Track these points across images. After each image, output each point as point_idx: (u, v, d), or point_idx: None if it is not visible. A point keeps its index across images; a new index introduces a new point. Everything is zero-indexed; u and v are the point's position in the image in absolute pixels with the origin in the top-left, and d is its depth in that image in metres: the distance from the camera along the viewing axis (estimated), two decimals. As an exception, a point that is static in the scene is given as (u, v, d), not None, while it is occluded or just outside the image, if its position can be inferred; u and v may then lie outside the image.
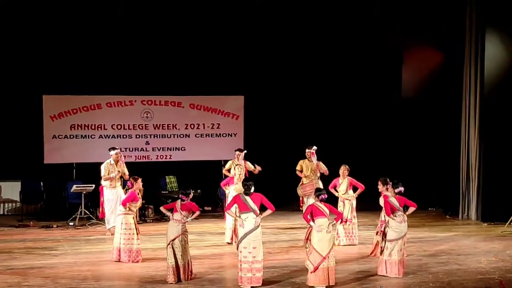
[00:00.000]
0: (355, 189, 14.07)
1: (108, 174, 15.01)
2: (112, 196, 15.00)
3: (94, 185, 16.35)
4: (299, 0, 19.14)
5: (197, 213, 11.28)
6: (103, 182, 15.07)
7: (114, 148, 15.44)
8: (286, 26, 19.27)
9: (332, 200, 12.38)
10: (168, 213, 11.21)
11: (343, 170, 14.07)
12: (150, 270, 11.63)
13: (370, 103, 20.05)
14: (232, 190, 14.07)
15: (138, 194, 12.51)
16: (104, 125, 18.02)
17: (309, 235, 10.62)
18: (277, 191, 17.30)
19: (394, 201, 11.37)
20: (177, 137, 18.60)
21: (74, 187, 16.58)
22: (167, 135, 18.52)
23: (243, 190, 10.78)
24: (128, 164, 15.62)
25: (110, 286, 10.76)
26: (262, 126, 19.40)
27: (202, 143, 18.71)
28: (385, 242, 11.34)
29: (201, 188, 17.34)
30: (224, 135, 18.86)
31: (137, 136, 18.30)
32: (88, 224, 16.26)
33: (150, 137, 18.39)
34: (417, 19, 18.60)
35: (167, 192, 17.89)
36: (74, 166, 17.92)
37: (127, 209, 12.34)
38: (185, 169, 18.33)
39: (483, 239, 14.74)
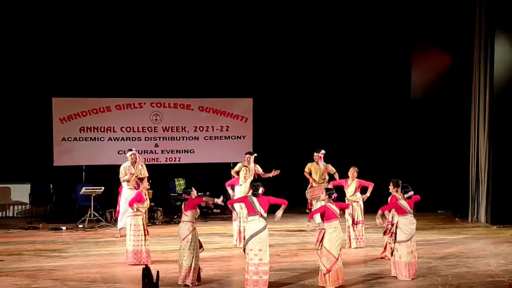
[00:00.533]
0: (363, 191, 14.05)
1: (124, 176, 14.99)
2: (129, 198, 14.96)
3: (103, 188, 16.39)
4: (308, 2, 19.14)
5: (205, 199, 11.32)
6: (122, 183, 15.08)
7: (130, 150, 15.43)
8: (295, 29, 19.30)
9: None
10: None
11: (352, 172, 14.05)
12: (159, 272, 11.60)
13: (379, 104, 20.02)
14: (236, 191, 14.09)
15: (145, 195, 12.51)
16: (113, 127, 18.06)
17: (322, 237, 10.60)
18: (285, 194, 17.26)
19: (404, 203, 11.35)
20: (186, 139, 18.62)
21: (84, 190, 16.62)
22: (176, 137, 18.54)
23: (251, 191, 10.75)
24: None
25: (119, 289, 10.79)
26: (271, 128, 19.42)
27: (211, 146, 18.72)
28: (394, 244, 11.32)
29: (210, 190, 17.34)
30: (233, 137, 18.86)
31: (146, 139, 18.32)
32: (97, 227, 16.29)
33: (159, 140, 18.42)
34: (426, 21, 18.56)
35: (176, 194, 17.91)
36: (83, 168, 17.96)
37: (135, 210, 12.35)
38: (194, 171, 18.35)
39: (492, 241, 14.69)
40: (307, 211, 15.82)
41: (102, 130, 17.98)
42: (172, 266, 11.46)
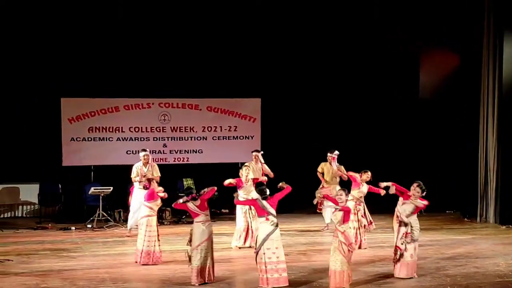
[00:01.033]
0: (371, 194, 14.03)
1: (136, 176, 14.99)
2: (140, 197, 14.97)
3: (111, 188, 16.43)
4: (318, 2, 19.13)
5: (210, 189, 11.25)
6: (134, 183, 15.10)
7: (144, 150, 15.43)
8: (304, 29, 19.30)
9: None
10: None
11: (369, 175, 14.00)
12: (167, 272, 11.65)
13: (387, 105, 20.00)
14: (241, 193, 13.99)
15: (158, 192, 12.59)
16: (121, 127, 18.11)
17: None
18: (294, 194, 17.27)
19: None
20: (194, 139, 18.65)
21: (92, 190, 16.66)
22: (184, 137, 18.57)
23: (260, 195, 10.70)
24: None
25: (128, 288, 10.82)
26: (279, 128, 19.42)
27: (219, 146, 18.75)
28: (405, 245, 11.24)
29: (218, 190, 17.32)
30: (241, 137, 18.88)
31: (155, 139, 18.36)
32: (105, 227, 16.33)
33: (168, 140, 18.46)
34: (435, 22, 18.55)
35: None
36: (92, 168, 18.01)
37: (150, 209, 12.41)
38: (202, 171, 18.37)
39: (501, 241, 14.64)
40: (317, 211, 15.81)
41: (111, 130, 18.04)
42: (181, 266, 11.47)
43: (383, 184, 12.14)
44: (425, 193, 11.33)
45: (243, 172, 14.21)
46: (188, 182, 18.18)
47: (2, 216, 17.73)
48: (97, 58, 18.04)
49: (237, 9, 18.65)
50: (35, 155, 17.86)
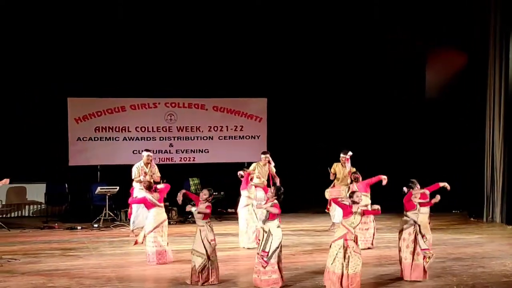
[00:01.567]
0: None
1: (139, 176, 15.04)
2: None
3: (118, 187, 16.45)
4: (323, 1, 19.15)
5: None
6: (134, 184, 15.12)
7: (147, 150, 15.48)
8: (309, 28, 19.30)
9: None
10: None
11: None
12: (174, 271, 11.68)
13: (393, 104, 19.97)
14: (244, 193, 14.01)
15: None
16: (128, 127, 18.14)
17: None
18: (299, 194, 17.37)
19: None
20: (201, 139, 18.67)
21: (99, 189, 16.69)
22: (191, 137, 18.59)
23: (276, 197, 10.67)
24: (151, 166, 15.70)
25: (134, 288, 10.85)
26: (285, 128, 19.43)
27: (226, 145, 18.77)
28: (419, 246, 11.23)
29: (224, 190, 17.40)
30: (247, 137, 18.89)
31: (161, 138, 18.39)
32: (112, 226, 16.36)
33: (174, 139, 18.48)
34: (441, 20, 18.52)
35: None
36: (98, 168, 18.04)
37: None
38: (209, 171, 18.39)
39: (507, 241, 14.62)
40: (325, 211, 15.82)
41: (117, 130, 18.07)
42: (187, 265, 11.48)
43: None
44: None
45: (250, 168, 14.30)
46: (194, 182, 18.20)
47: (9, 215, 17.77)
48: (103, 58, 18.07)
49: (243, 8, 18.66)
50: (42, 155, 17.90)
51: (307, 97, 19.78)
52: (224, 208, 18.25)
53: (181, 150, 18.55)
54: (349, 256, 10.22)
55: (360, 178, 14.18)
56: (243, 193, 14.09)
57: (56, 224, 16.65)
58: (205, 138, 18.70)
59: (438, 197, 11.48)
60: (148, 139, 18.24)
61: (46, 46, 17.75)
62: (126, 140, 18.11)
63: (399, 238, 11.27)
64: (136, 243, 12.60)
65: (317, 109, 19.95)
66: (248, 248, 13.60)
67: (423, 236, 11.14)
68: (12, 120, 17.91)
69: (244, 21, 18.76)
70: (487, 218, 17.43)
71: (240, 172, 14.29)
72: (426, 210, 11.54)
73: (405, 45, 19.59)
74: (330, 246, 10.46)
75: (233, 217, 17.65)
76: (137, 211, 14.87)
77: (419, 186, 11.47)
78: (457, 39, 18.48)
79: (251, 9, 18.72)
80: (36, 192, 18.02)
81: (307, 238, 15.07)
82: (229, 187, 17.22)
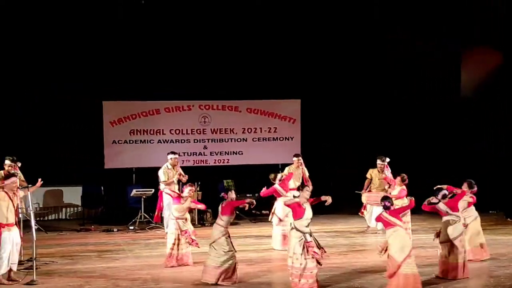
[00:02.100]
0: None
1: (168, 179, 15.12)
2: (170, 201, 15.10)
3: (153, 190, 16.54)
4: (358, 4, 19.09)
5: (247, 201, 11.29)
6: (162, 187, 15.20)
7: (173, 152, 15.58)
8: (344, 29, 19.21)
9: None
10: None
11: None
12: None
13: (428, 104, 19.79)
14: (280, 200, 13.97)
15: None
16: (162, 130, 18.25)
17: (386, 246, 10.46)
18: (333, 195, 17.26)
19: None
20: (235, 141, 18.73)
21: (134, 192, 16.80)
22: (225, 139, 18.66)
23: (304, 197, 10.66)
24: (186, 169, 15.80)
25: (170, 289, 10.90)
26: (319, 129, 19.39)
27: (259, 147, 18.79)
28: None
29: (258, 192, 17.39)
30: (281, 138, 18.90)
31: (195, 141, 18.48)
32: (147, 228, 16.44)
33: (208, 142, 18.56)
34: (476, 19, 18.36)
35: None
36: (133, 170, 18.18)
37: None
38: (243, 173, 18.43)
39: (545, 242, 14.46)
40: (359, 214, 15.77)
41: (152, 132, 18.19)
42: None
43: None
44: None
45: (283, 173, 14.28)
46: (228, 184, 18.23)
47: (46, 218, 17.96)
48: (138, 61, 18.18)
49: (276, 10, 18.65)
50: (78, 158, 18.07)
51: (341, 98, 19.69)
52: (258, 210, 18.24)
53: (215, 152, 18.62)
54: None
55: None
56: (279, 200, 14.06)
57: (93, 226, 16.79)
58: (239, 140, 18.75)
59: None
60: (183, 141, 18.34)
61: (83, 50, 17.90)
62: (161, 142, 18.23)
63: (450, 239, 11.17)
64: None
65: (352, 110, 19.86)
66: (281, 250, 13.60)
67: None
68: (48, 124, 18.10)
69: (278, 23, 18.75)
70: (524, 219, 17.25)
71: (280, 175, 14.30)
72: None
73: (441, 46, 19.41)
74: None
75: (267, 219, 17.67)
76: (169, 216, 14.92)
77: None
78: (492, 38, 18.30)
79: (283, 10, 18.71)
80: (73, 194, 18.20)
81: (342, 239, 15.02)
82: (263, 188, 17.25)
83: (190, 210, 15.83)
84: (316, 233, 14.45)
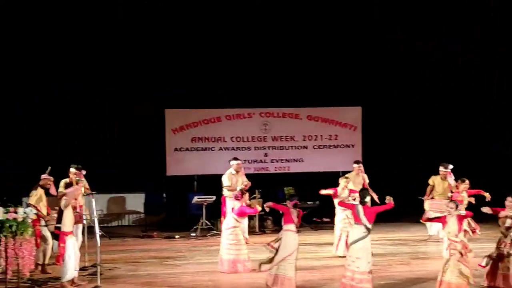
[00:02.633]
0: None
1: (231, 185, 15.16)
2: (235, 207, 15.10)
3: (215, 197, 16.61)
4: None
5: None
6: (225, 193, 15.23)
7: (236, 159, 15.63)
8: (406, 38, 19.05)
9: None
10: None
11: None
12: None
13: (490, 111, 19.47)
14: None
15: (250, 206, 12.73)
16: (223, 137, 18.35)
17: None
18: (396, 203, 17.05)
19: None
20: (295, 148, 18.72)
21: (195, 199, 16.92)
22: (285, 146, 18.66)
23: (359, 199, 10.69)
24: (246, 176, 15.80)
25: (231, 296, 10.94)
26: (380, 136, 19.22)
27: (320, 154, 18.73)
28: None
29: (319, 199, 17.34)
30: (342, 146, 18.81)
31: (256, 148, 18.53)
32: (209, 235, 16.52)
33: (269, 149, 18.59)
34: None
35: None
36: (195, 178, 18.30)
37: (237, 221, 12.56)
38: (303, 180, 18.37)
39: None
40: (421, 221, 15.56)
41: (213, 140, 18.31)
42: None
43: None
44: None
45: (341, 184, 14.17)
46: (289, 191, 18.20)
47: (109, 224, 18.21)
48: (200, 70, 18.34)
49: (338, 17, 18.63)
50: (141, 165, 18.31)
51: (402, 106, 19.50)
52: (319, 217, 18.19)
53: (275, 159, 18.63)
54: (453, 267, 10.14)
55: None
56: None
57: (155, 233, 16.96)
58: (299, 147, 18.73)
59: None
60: (243, 148, 18.40)
61: (145, 59, 18.13)
62: (222, 150, 18.32)
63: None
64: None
65: (413, 118, 19.64)
66: (341, 257, 13.52)
67: None
68: (112, 132, 18.40)
69: (338, 31, 18.70)
70: None
71: (328, 191, 14.25)
72: None
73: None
74: None
75: (328, 226, 17.60)
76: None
77: None
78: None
79: (345, 18, 18.67)
80: (135, 201, 18.44)
81: (404, 247, 14.86)
82: (324, 196, 17.19)
83: (250, 217, 15.96)
84: (378, 241, 14.49)
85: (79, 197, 12.38)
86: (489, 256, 11.15)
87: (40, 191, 12.30)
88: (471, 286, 10.28)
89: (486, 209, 11.29)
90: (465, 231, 13.37)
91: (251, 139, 18.49)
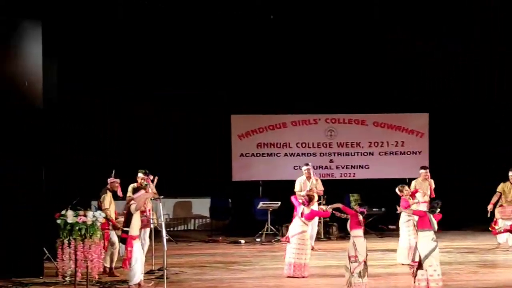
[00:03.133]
0: None
1: (300, 191, 15.16)
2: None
3: (280, 202, 16.67)
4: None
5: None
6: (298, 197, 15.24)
7: (306, 164, 15.63)
8: (469, 43, 18.81)
9: None
10: None
11: None
12: (334, 285, 11.66)
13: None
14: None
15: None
16: (289, 143, 18.39)
17: None
18: (463, 210, 16.88)
19: None
20: (361, 155, 18.63)
21: (261, 204, 17.00)
22: (351, 153, 18.59)
23: (430, 208, 10.60)
24: (312, 182, 15.80)
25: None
26: (447, 143, 18.98)
27: (386, 161, 18.60)
28: None
29: (385, 206, 17.23)
30: (409, 152, 18.64)
31: (321, 154, 18.51)
32: (274, 241, 16.56)
33: (334, 155, 18.55)
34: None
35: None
36: (260, 183, 18.39)
37: (304, 224, 12.57)
38: (369, 187, 18.28)
39: None
40: (489, 229, 15.32)
41: (278, 146, 18.36)
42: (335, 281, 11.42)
43: None
44: None
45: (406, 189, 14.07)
46: (354, 198, 18.12)
47: (175, 229, 18.44)
48: (265, 76, 18.43)
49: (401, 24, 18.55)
50: (207, 170, 18.49)
51: (470, 112, 19.21)
52: (385, 225, 18.06)
53: (341, 165, 18.58)
54: None
55: None
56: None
57: (220, 237, 17.10)
58: (365, 153, 18.64)
59: None
60: (309, 154, 18.40)
61: (214, 66, 18.29)
62: (287, 156, 18.37)
63: None
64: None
65: (481, 124, 19.33)
66: (405, 264, 13.39)
67: None
68: (180, 138, 18.63)
69: (404, 38, 18.59)
70: None
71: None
72: None
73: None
74: None
75: (394, 233, 17.45)
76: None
77: None
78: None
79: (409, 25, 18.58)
80: (201, 206, 18.64)
81: (471, 256, 14.61)
82: (390, 203, 17.04)
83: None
84: (444, 249, 14.28)
85: (147, 201, 12.57)
86: None
87: (109, 194, 12.56)
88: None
89: None
90: None
91: (316, 145, 18.48)
